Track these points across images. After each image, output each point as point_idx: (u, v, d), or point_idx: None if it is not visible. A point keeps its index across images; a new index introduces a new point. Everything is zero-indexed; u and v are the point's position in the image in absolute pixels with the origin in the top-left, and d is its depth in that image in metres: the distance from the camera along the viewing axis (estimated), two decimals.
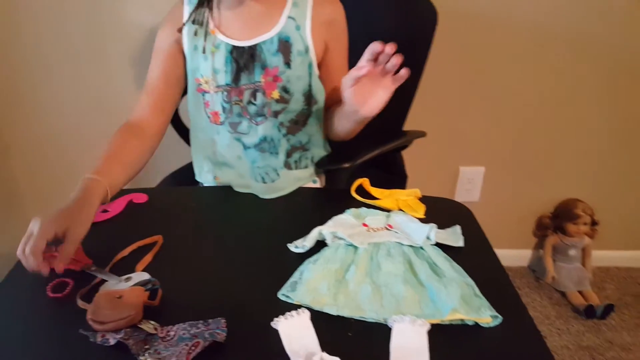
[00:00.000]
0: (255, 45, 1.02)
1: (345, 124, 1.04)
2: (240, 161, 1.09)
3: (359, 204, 0.98)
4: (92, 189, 0.88)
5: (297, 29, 1.02)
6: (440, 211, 0.97)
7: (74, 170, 1.79)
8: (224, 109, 1.05)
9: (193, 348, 0.66)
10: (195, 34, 1.04)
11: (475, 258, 0.85)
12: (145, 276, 0.81)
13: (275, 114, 1.05)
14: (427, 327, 0.69)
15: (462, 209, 1.01)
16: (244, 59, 1.02)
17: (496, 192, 1.90)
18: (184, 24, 1.04)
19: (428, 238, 0.86)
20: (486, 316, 0.72)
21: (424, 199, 1.00)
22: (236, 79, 1.03)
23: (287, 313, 0.72)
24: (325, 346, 0.67)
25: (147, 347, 0.68)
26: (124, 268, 0.83)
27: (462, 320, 0.72)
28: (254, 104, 1.04)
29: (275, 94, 1.03)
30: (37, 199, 1.87)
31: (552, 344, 1.68)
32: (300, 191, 1.10)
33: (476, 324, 0.72)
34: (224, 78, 1.03)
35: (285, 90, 1.03)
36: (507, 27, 1.61)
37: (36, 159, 1.79)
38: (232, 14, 1.03)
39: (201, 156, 1.17)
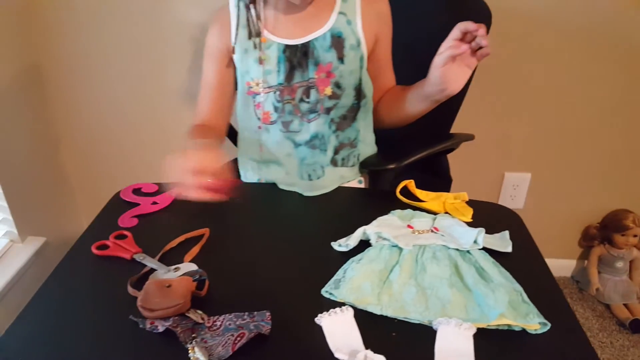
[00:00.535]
0: (307, 43, 1.03)
1: (420, 105, 1.05)
2: (289, 158, 1.10)
3: (404, 206, 0.97)
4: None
5: (349, 24, 1.04)
6: (488, 216, 0.96)
7: (124, 164, 1.85)
8: (275, 108, 1.07)
9: (239, 338, 0.68)
10: (249, 37, 1.04)
11: (524, 264, 0.84)
12: (193, 267, 0.83)
13: (327, 111, 1.07)
14: (473, 330, 0.69)
15: (511, 214, 0.99)
16: (297, 57, 1.03)
17: (542, 200, 1.86)
18: (236, 39, 1.05)
19: (475, 242, 0.85)
20: (534, 322, 0.70)
21: (470, 203, 0.99)
22: (289, 77, 1.04)
23: (331, 310, 0.73)
24: (369, 344, 0.67)
25: (194, 335, 0.70)
26: (172, 259, 0.86)
27: (508, 325, 0.71)
28: (306, 102, 1.05)
29: (328, 91, 1.04)
30: (87, 192, 1.92)
31: None
32: (345, 190, 1.10)
33: (523, 330, 0.71)
34: (276, 78, 1.05)
35: (337, 85, 1.05)
36: (559, 31, 1.57)
37: (86, 153, 1.85)
38: (282, 15, 1.04)
39: (246, 157, 1.19)
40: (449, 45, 0.91)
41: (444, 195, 0.99)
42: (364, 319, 0.72)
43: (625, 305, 1.84)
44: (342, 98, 1.06)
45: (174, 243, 0.89)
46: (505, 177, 1.83)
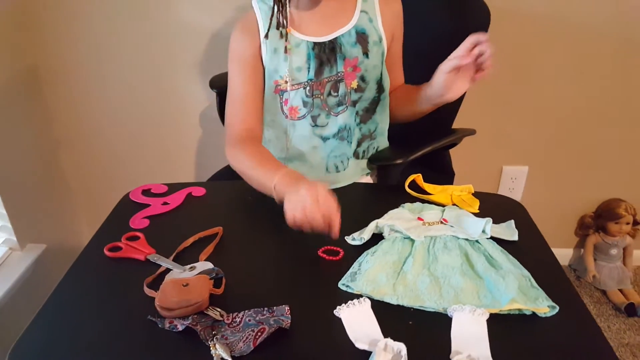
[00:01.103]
0: (335, 39, 1.07)
1: (423, 106, 1.09)
2: (316, 151, 1.13)
3: (413, 199, 1.00)
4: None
5: (370, 21, 1.08)
6: (493, 207, 0.98)
7: (122, 167, 1.85)
8: (305, 103, 1.09)
9: (259, 334, 0.69)
10: (280, 36, 1.06)
11: (530, 251, 0.86)
12: (209, 265, 0.83)
13: (354, 103, 1.11)
14: (487, 316, 0.71)
15: (515, 204, 1.02)
16: (326, 53, 1.07)
17: (539, 192, 1.90)
18: (266, 35, 1.06)
19: (484, 232, 0.87)
20: (544, 306, 0.73)
21: (475, 195, 1.01)
22: (319, 73, 1.08)
23: (349, 302, 0.74)
24: (387, 334, 0.69)
25: (214, 332, 0.70)
26: (187, 258, 0.86)
27: (519, 310, 0.73)
28: (334, 96, 1.09)
29: (354, 84, 1.09)
30: (84, 196, 1.92)
31: None
32: (355, 186, 1.13)
33: (533, 314, 0.73)
34: (305, 74, 1.07)
35: (362, 79, 1.09)
36: (554, 28, 1.60)
37: (85, 158, 1.84)
38: (308, 13, 1.07)
39: None
40: (458, 55, 0.93)
41: (450, 188, 1.01)
42: (381, 309, 0.74)
43: (620, 290, 1.88)
44: (365, 91, 1.11)
45: (187, 242, 0.90)
46: (503, 171, 1.87)
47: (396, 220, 0.90)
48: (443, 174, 1.33)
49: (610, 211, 1.88)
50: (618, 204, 1.87)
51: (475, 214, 0.93)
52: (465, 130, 1.26)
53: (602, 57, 1.65)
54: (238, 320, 0.73)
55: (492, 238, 0.87)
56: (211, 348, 0.67)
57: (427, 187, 1.02)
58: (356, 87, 1.09)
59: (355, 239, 0.89)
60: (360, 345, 0.68)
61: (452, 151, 1.34)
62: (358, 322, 0.72)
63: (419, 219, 0.91)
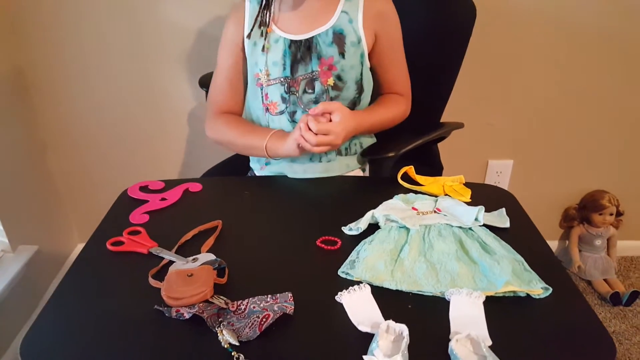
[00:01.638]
0: (311, 38, 1.10)
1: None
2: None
3: (406, 191, 1.03)
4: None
5: (350, 22, 1.10)
6: (484, 196, 1.02)
7: (110, 167, 1.84)
8: (283, 99, 1.13)
9: (264, 319, 0.71)
10: (259, 26, 1.12)
11: (521, 237, 0.90)
12: (211, 257, 0.85)
13: (332, 100, 1.12)
14: (483, 298, 0.74)
15: (505, 193, 1.05)
16: (301, 51, 1.10)
17: (524, 185, 1.94)
18: (248, 35, 1.13)
19: (476, 219, 0.90)
20: (537, 288, 0.76)
21: (467, 186, 1.04)
22: (294, 70, 1.11)
23: (350, 287, 0.77)
24: (388, 317, 0.71)
25: (221, 319, 0.72)
26: (188, 251, 0.88)
27: (514, 292, 0.76)
28: (309, 93, 1.12)
29: (331, 81, 1.11)
30: (73, 196, 1.91)
31: None
32: (349, 179, 1.16)
33: (528, 296, 0.76)
34: (281, 71, 1.11)
35: (339, 78, 1.11)
36: (537, 23, 1.64)
37: (75, 160, 1.84)
38: (290, 11, 1.11)
39: None
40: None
41: (442, 179, 1.04)
42: (380, 294, 0.77)
43: (605, 280, 1.93)
44: (343, 91, 1.12)
45: (188, 235, 0.92)
46: (489, 165, 1.91)
47: (391, 210, 0.92)
48: (432, 167, 1.36)
49: (594, 202, 1.92)
50: (602, 195, 1.92)
51: (467, 203, 0.96)
52: (454, 124, 1.29)
53: (583, 52, 1.70)
54: (243, 307, 0.75)
55: (484, 225, 0.90)
56: (218, 334, 0.69)
57: (419, 178, 1.05)
58: (333, 84, 1.11)
59: (352, 229, 0.91)
60: (363, 328, 0.70)
61: (439, 146, 1.37)
62: (359, 307, 0.74)
63: (413, 208, 0.94)
